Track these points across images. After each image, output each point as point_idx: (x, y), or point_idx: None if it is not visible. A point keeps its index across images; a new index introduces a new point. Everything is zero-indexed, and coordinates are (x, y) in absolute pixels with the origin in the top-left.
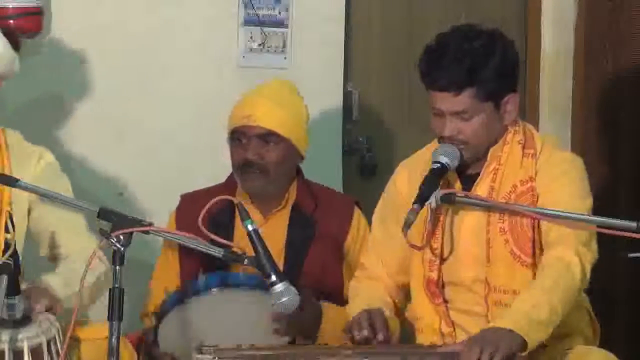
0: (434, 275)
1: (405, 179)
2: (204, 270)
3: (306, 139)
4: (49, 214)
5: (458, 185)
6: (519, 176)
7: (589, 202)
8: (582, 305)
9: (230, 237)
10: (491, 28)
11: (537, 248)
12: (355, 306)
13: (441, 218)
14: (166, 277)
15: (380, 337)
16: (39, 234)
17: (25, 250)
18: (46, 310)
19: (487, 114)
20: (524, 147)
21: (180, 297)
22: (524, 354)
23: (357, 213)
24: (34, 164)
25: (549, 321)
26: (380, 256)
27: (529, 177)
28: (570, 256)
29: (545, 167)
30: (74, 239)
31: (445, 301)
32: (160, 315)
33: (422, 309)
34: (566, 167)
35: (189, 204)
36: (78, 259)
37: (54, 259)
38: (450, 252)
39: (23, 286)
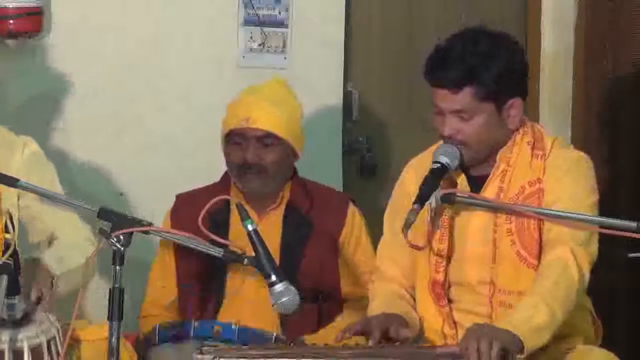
0: (440, 276)
1: (412, 179)
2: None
3: (302, 138)
4: (36, 201)
5: (466, 186)
6: (528, 177)
7: (593, 198)
8: (585, 305)
9: (225, 236)
10: (502, 32)
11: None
12: (374, 309)
13: (447, 218)
14: (163, 278)
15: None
16: (28, 221)
17: (25, 250)
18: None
19: (487, 115)
20: (533, 148)
21: (173, 335)
22: (522, 356)
23: (352, 209)
24: (19, 153)
25: (549, 326)
26: (393, 258)
27: (536, 178)
28: (567, 257)
29: (553, 166)
30: (63, 221)
31: (450, 301)
32: (148, 343)
33: (425, 310)
34: (572, 165)
35: (185, 204)
36: (68, 239)
37: (45, 243)
38: (457, 253)
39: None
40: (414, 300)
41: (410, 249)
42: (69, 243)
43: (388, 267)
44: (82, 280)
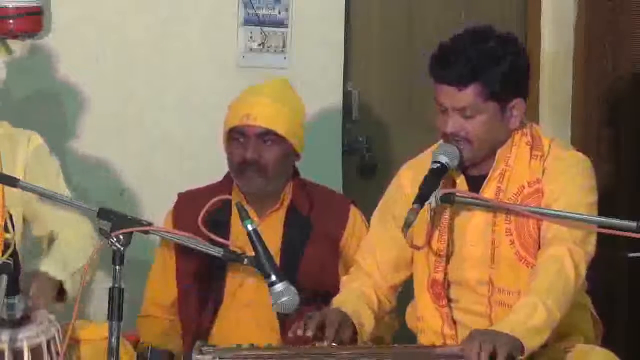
0: (440, 276)
1: (410, 179)
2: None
3: (303, 138)
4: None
5: (465, 186)
6: (527, 178)
7: (592, 199)
8: (585, 305)
9: (226, 236)
10: (508, 33)
11: None
12: (337, 301)
13: (447, 218)
14: (163, 278)
15: (328, 341)
16: (31, 216)
17: (25, 250)
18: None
19: (490, 114)
20: (532, 149)
21: None
22: (522, 357)
23: (354, 212)
24: (24, 147)
25: (547, 326)
26: (374, 254)
27: (536, 178)
28: (563, 255)
29: (552, 167)
30: (64, 219)
31: (450, 301)
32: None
33: (424, 311)
34: (572, 165)
35: (187, 203)
36: (69, 239)
37: (45, 239)
38: (456, 253)
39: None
40: (380, 302)
41: (395, 248)
42: (70, 244)
43: (367, 261)
44: (85, 279)
